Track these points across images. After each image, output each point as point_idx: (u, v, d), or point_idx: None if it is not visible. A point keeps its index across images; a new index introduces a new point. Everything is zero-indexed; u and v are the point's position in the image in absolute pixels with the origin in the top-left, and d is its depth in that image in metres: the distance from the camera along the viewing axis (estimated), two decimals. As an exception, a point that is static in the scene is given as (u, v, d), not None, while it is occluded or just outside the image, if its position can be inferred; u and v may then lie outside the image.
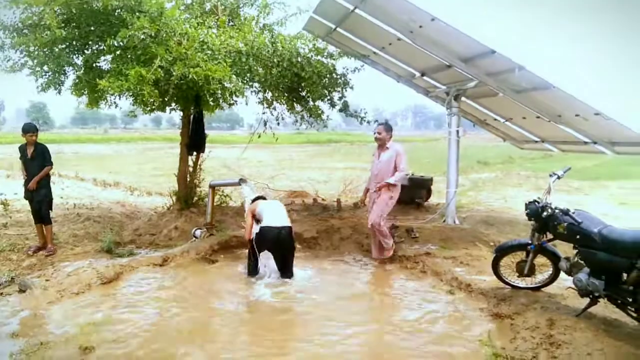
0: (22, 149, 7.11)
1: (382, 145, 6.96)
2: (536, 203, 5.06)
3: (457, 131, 8.68)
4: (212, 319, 5.14)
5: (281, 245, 6.16)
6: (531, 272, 5.30)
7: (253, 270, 6.28)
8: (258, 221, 6.34)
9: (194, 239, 7.76)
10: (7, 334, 4.40)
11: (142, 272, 6.46)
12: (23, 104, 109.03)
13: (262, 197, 6.98)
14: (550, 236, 5.03)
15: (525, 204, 5.18)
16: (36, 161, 7.04)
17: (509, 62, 6.65)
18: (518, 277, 5.44)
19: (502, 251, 5.58)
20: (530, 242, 5.19)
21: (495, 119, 10.15)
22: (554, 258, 5.12)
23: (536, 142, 10.35)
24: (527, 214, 5.12)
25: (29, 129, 7.05)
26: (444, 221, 8.78)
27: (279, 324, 5.03)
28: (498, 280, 5.60)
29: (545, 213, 4.87)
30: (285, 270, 6.24)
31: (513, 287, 5.51)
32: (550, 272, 5.29)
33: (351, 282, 6.38)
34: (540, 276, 5.44)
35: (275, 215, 6.27)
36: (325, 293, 5.87)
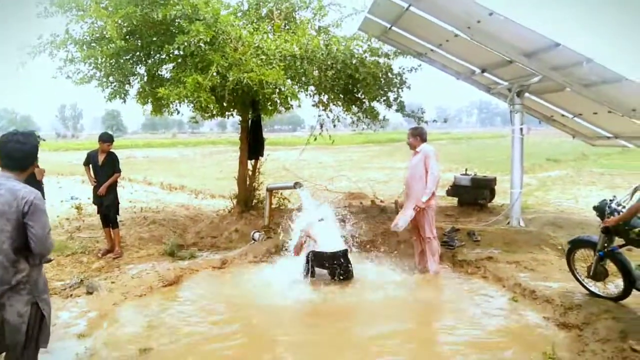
0: (92, 156, 7.48)
1: (413, 149, 6.66)
2: (608, 201, 4.72)
3: (521, 129, 8.29)
4: (265, 321, 5.17)
5: (336, 268, 6.19)
6: (602, 277, 4.94)
7: (308, 274, 6.28)
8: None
9: (252, 241, 7.88)
10: (74, 334, 4.61)
11: (201, 275, 6.63)
12: (99, 112, 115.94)
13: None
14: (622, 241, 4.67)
15: (595, 206, 4.85)
16: (106, 168, 7.38)
17: (575, 54, 6.26)
18: (586, 277, 5.11)
19: (575, 244, 5.27)
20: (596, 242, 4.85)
21: (563, 115, 9.60)
22: (624, 268, 4.69)
23: (609, 138, 9.69)
24: (597, 213, 4.80)
25: (108, 139, 7.42)
26: (508, 223, 8.40)
27: (327, 329, 4.97)
28: (571, 275, 5.32)
29: (615, 214, 4.53)
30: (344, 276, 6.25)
31: (583, 286, 5.19)
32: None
33: (407, 287, 6.21)
34: (613, 286, 5.06)
35: (329, 239, 6.28)
36: (378, 298, 5.76)
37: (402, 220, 6.45)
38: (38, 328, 3.00)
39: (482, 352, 4.31)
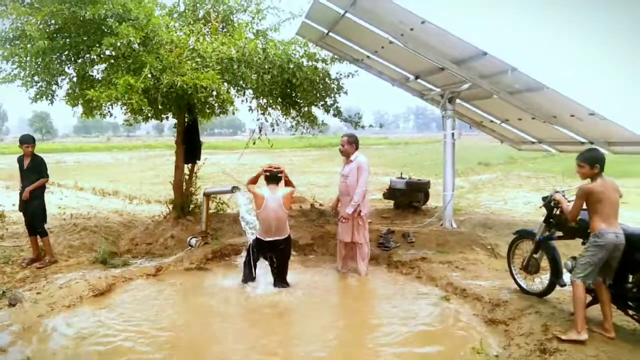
0: (20, 160, 7.08)
1: (347, 157, 6.73)
2: (555, 192, 4.94)
3: (452, 134, 8.63)
4: (199, 329, 5.07)
5: (276, 254, 6.11)
6: (533, 269, 5.22)
7: (248, 277, 6.22)
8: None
9: (189, 247, 7.71)
10: (-6, 349, 4.34)
11: (135, 283, 6.42)
12: (26, 113, 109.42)
13: (274, 179, 6.23)
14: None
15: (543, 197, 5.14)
16: (31, 172, 6.99)
17: (501, 63, 6.60)
18: (520, 269, 5.39)
19: (519, 234, 5.56)
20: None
21: (492, 121, 10.08)
22: (554, 259, 4.97)
23: (533, 143, 10.28)
24: (543, 204, 5.07)
25: (26, 140, 7.01)
26: (441, 225, 8.71)
27: (263, 332, 4.94)
28: (506, 271, 5.66)
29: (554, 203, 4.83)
30: (280, 279, 6.19)
31: (514, 280, 5.50)
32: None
33: (344, 288, 6.31)
34: (539, 282, 5.35)
35: (272, 224, 6.04)
36: (316, 300, 5.82)
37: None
38: None
39: (414, 349, 4.46)
